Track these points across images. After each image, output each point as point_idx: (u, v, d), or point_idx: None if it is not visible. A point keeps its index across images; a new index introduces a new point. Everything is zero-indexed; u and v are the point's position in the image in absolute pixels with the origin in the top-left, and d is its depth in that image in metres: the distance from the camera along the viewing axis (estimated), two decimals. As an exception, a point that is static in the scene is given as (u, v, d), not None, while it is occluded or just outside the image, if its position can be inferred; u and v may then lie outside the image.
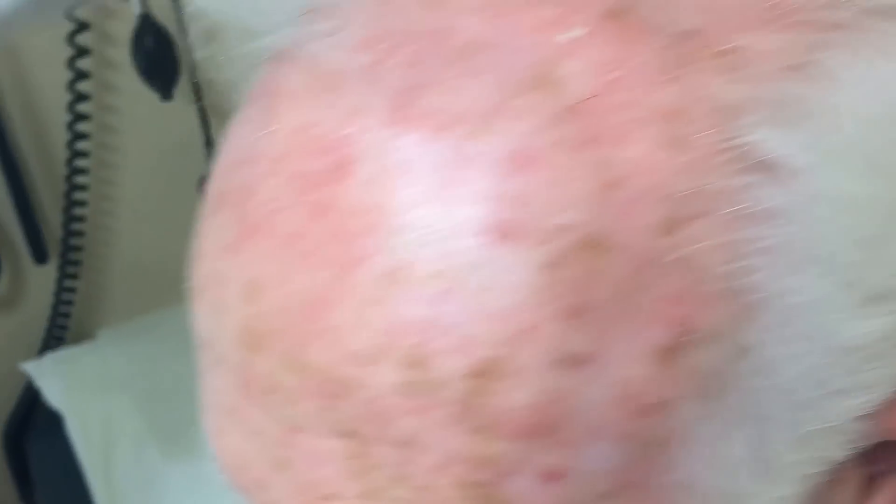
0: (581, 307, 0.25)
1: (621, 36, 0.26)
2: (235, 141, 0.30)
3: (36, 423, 1.08)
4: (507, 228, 0.25)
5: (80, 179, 1.04)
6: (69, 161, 1.04)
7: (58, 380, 1.05)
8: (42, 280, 1.09)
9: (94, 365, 1.06)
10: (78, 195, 1.05)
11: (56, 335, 1.10)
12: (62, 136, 1.03)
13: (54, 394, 1.04)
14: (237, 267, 0.29)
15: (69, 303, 1.09)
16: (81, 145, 1.03)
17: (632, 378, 0.26)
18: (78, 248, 1.07)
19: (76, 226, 1.06)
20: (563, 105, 0.25)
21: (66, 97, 1.00)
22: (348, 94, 0.27)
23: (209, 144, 1.03)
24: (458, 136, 0.26)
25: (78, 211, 1.05)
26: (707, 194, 0.25)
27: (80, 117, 1.01)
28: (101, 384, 1.04)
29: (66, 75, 0.99)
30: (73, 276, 1.08)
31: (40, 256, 1.07)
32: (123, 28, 1.00)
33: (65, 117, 1.02)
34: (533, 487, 0.27)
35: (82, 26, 0.98)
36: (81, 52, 0.99)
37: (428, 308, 0.26)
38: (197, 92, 1.02)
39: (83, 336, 1.12)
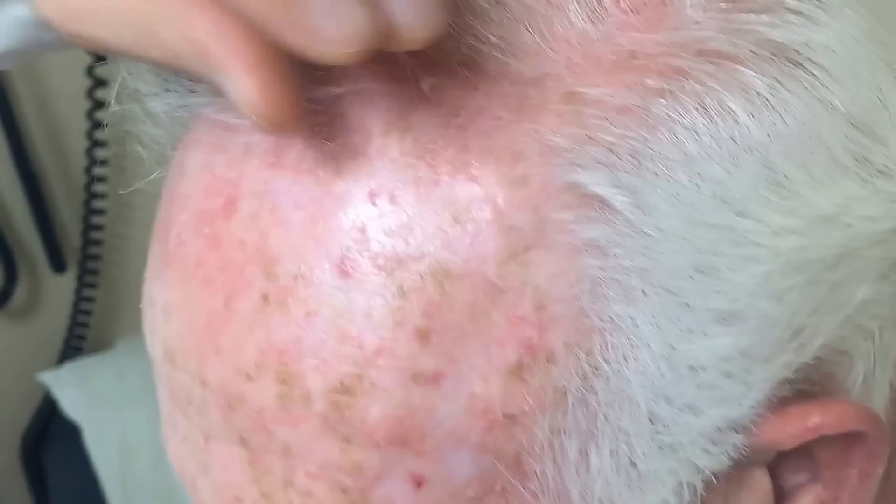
0: (431, 329, 0.29)
1: (470, 83, 0.30)
2: (168, 181, 0.35)
3: (53, 433, 1.09)
4: (364, 259, 0.29)
5: (99, 188, 1.07)
6: (88, 169, 1.06)
7: (75, 390, 1.07)
8: (60, 289, 1.11)
9: (112, 375, 1.08)
10: (97, 204, 1.07)
11: (74, 345, 1.13)
12: (81, 144, 1.04)
13: (72, 404, 1.06)
14: (159, 292, 0.33)
15: (87, 312, 1.12)
16: (100, 153, 1.04)
17: (484, 394, 0.29)
18: (96, 258, 1.10)
19: (94, 235, 1.08)
20: (415, 148, 0.29)
21: (86, 105, 1.01)
22: (237, 143, 0.31)
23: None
24: (323, 177, 0.30)
25: (96, 220, 1.08)
26: (542, 227, 0.29)
27: (98, 125, 1.01)
28: (119, 395, 1.06)
29: (86, 83, 0.99)
30: (92, 286, 1.11)
31: (59, 265, 1.09)
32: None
33: (84, 126, 1.02)
34: (401, 492, 0.30)
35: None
36: (100, 58, 0.99)
37: (296, 331, 0.30)
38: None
39: (102, 346, 1.14)
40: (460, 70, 0.30)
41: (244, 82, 0.26)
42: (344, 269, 0.29)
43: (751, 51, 0.30)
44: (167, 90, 0.33)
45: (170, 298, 0.33)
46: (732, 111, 0.29)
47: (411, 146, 0.29)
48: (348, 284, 0.29)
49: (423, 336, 0.29)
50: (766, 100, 0.29)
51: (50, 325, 1.12)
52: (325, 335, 0.29)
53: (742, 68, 0.30)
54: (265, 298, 0.30)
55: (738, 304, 0.29)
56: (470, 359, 0.29)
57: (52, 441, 1.10)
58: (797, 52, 0.30)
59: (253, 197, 0.30)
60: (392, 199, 0.29)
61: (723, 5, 0.30)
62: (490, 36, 0.30)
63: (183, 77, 0.32)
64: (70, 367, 1.10)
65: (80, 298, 1.10)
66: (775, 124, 0.29)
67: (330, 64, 0.27)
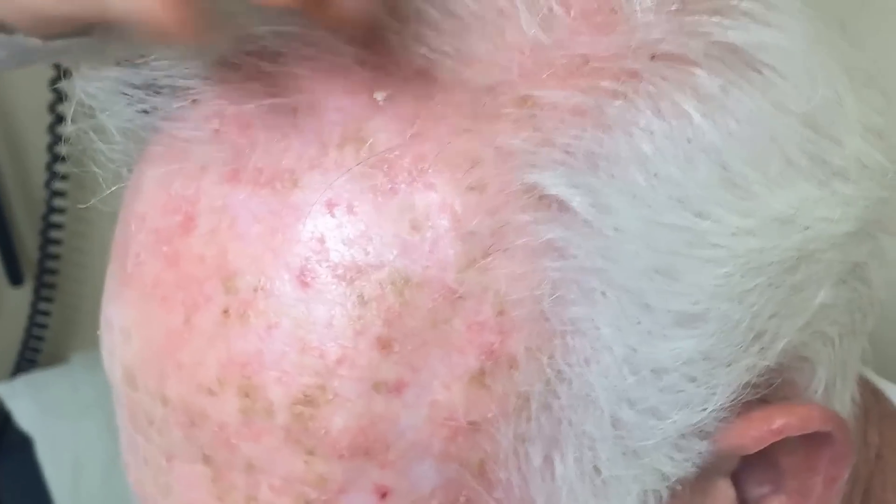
0: (392, 338, 0.29)
1: (424, 93, 0.30)
2: (125, 200, 0.35)
3: (5, 445, 1.08)
4: (323, 269, 0.30)
5: (58, 203, 1.06)
6: (48, 183, 1.05)
7: (29, 402, 1.06)
8: (16, 302, 1.09)
9: (66, 388, 1.07)
10: (55, 218, 1.07)
11: (29, 357, 1.12)
12: (42, 159, 1.04)
13: (25, 417, 1.05)
14: (117, 314, 0.34)
15: (43, 326, 1.11)
16: (61, 168, 1.04)
17: (446, 402, 0.30)
18: (53, 272, 1.09)
19: (52, 249, 1.08)
20: (371, 157, 0.30)
21: (48, 119, 1.01)
22: (194, 159, 0.32)
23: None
24: (280, 190, 0.30)
25: (55, 234, 1.08)
26: (501, 231, 0.29)
27: (60, 140, 1.01)
28: (73, 408, 1.05)
29: (48, 97, 0.99)
30: (48, 300, 1.10)
31: (15, 278, 1.08)
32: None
33: (45, 140, 1.02)
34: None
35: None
36: (64, 73, 0.99)
37: (257, 343, 0.30)
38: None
39: (56, 360, 1.13)
40: (414, 80, 0.30)
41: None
42: (304, 280, 0.30)
43: (703, 52, 0.30)
44: (124, 103, 0.33)
45: (128, 319, 0.33)
46: (686, 112, 0.30)
47: (367, 156, 0.30)
48: (308, 295, 0.29)
49: (384, 345, 0.29)
50: (720, 101, 0.30)
51: (5, 338, 1.11)
52: (286, 346, 0.29)
53: (695, 70, 0.30)
54: (225, 312, 0.30)
55: (698, 305, 0.30)
56: (432, 367, 0.29)
57: (3, 453, 1.09)
58: (749, 53, 0.31)
59: (211, 212, 0.31)
60: (350, 209, 0.29)
61: (673, 7, 0.31)
62: (443, 46, 0.31)
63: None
64: (24, 380, 1.09)
65: (36, 311, 1.09)
66: (729, 125, 0.30)
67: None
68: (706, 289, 0.30)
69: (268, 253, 0.30)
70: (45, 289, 1.09)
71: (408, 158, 0.30)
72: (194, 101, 0.33)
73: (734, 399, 0.31)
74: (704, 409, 0.30)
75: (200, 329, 0.30)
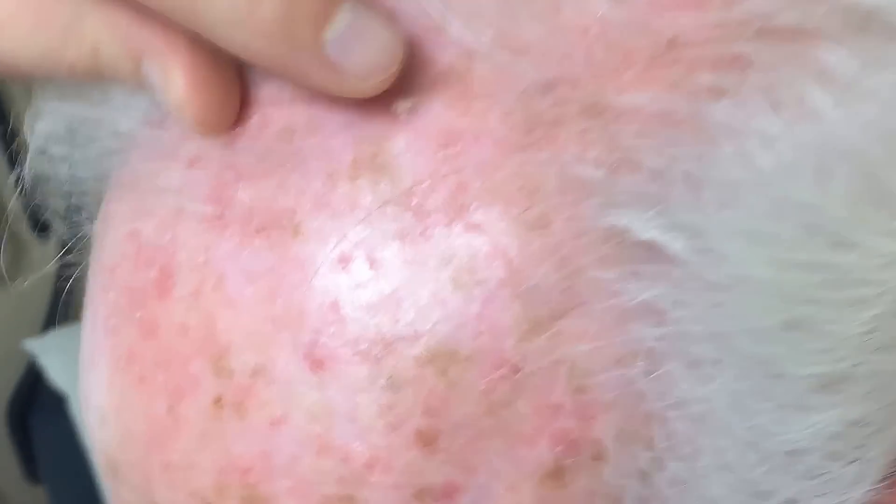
0: (437, 431, 0.22)
1: (460, 99, 0.23)
2: (92, 250, 0.29)
3: (40, 402, 1.05)
4: (340, 344, 0.23)
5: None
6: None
7: (62, 358, 1.02)
8: (44, 254, 1.04)
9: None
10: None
11: (60, 311, 1.06)
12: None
13: (58, 373, 1.01)
14: (90, 388, 0.27)
15: (72, 278, 1.04)
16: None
17: None
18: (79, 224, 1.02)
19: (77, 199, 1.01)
20: (395, 192, 0.23)
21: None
22: (167, 196, 0.25)
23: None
24: (278, 239, 0.23)
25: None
26: (576, 286, 0.22)
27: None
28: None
29: None
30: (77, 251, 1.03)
31: (42, 229, 1.02)
32: None
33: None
34: None
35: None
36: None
37: (260, 443, 0.23)
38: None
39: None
40: (445, 82, 0.23)
41: (179, 75, 0.23)
42: (316, 360, 0.23)
43: (829, 22, 0.22)
44: (78, 141, 0.27)
45: (103, 399, 0.27)
46: (815, 106, 0.22)
47: (389, 190, 0.23)
48: (323, 379, 0.23)
49: (426, 440, 0.22)
50: (856, 86, 0.22)
51: (34, 291, 1.07)
52: (298, 447, 0.23)
53: (821, 47, 0.22)
54: (217, 402, 0.24)
55: (843, 363, 0.22)
56: (491, 464, 0.23)
57: (38, 409, 1.06)
58: (889, 20, 0.23)
59: (192, 269, 0.24)
60: (371, 263, 0.22)
61: None
62: (480, 31, 0.23)
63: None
64: (56, 334, 1.05)
65: (64, 263, 1.05)
66: (871, 118, 0.22)
67: (350, 96, 0.23)
68: (852, 340, 0.22)
69: (267, 324, 0.23)
70: (73, 240, 1.05)
71: (443, 190, 0.22)
72: (162, 120, 0.26)
73: (889, 469, 0.24)
74: (854, 489, 0.24)
75: (188, 421, 0.24)
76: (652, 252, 0.22)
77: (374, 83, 0.22)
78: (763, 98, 0.22)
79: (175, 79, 0.23)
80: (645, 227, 0.22)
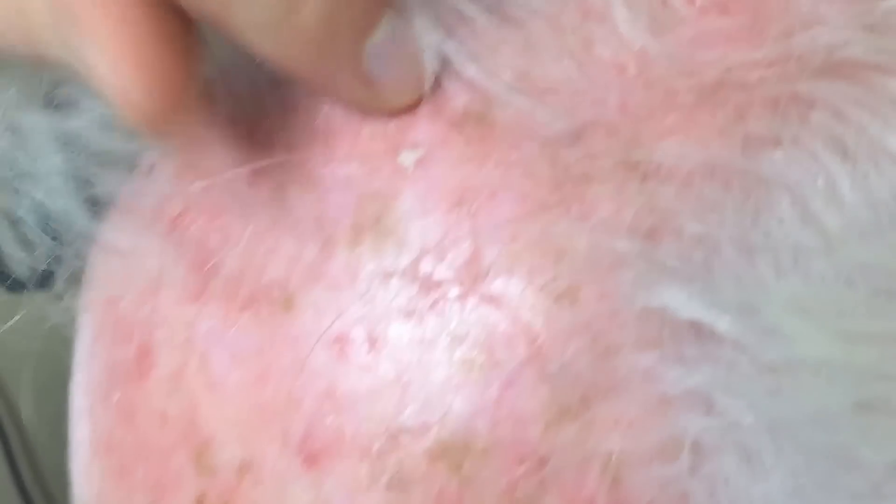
0: None
1: (477, 148, 0.20)
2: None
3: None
4: (338, 438, 0.20)
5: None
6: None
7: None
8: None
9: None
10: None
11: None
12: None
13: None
14: (77, 471, 0.25)
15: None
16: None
17: None
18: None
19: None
20: (401, 261, 0.20)
21: None
22: (149, 262, 0.22)
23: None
24: (268, 315, 0.20)
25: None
26: (610, 369, 0.19)
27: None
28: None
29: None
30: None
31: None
32: None
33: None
34: None
35: None
36: None
37: None
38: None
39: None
40: (458, 129, 0.20)
41: (113, 46, 0.17)
42: (309, 455, 0.20)
43: None
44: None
45: (83, 488, 0.24)
46: (891, 154, 0.19)
47: (394, 258, 0.20)
48: (318, 477, 0.20)
49: None
50: None
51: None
52: None
53: (892, 82, 0.19)
54: (200, 502, 0.21)
55: None
56: None
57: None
58: None
59: (173, 347, 0.21)
60: (372, 343, 0.20)
61: None
62: (498, 72, 0.20)
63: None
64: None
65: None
66: None
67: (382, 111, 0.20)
68: None
69: (254, 413, 0.20)
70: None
71: (456, 257, 0.19)
72: (150, 169, 0.23)
73: None
74: None
75: None
76: (697, 332, 0.19)
77: (407, 98, 0.20)
78: (827, 146, 0.19)
79: (109, 51, 0.18)
80: (687, 305, 0.19)
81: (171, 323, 0.21)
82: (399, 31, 0.20)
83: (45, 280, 0.26)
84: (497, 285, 0.19)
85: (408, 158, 0.20)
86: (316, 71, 0.19)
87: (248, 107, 0.22)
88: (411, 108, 0.20)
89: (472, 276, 0.19)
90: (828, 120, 0.19)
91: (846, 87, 0.19)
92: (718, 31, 0.20)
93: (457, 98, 0.20)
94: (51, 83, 0.24)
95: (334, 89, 0.20)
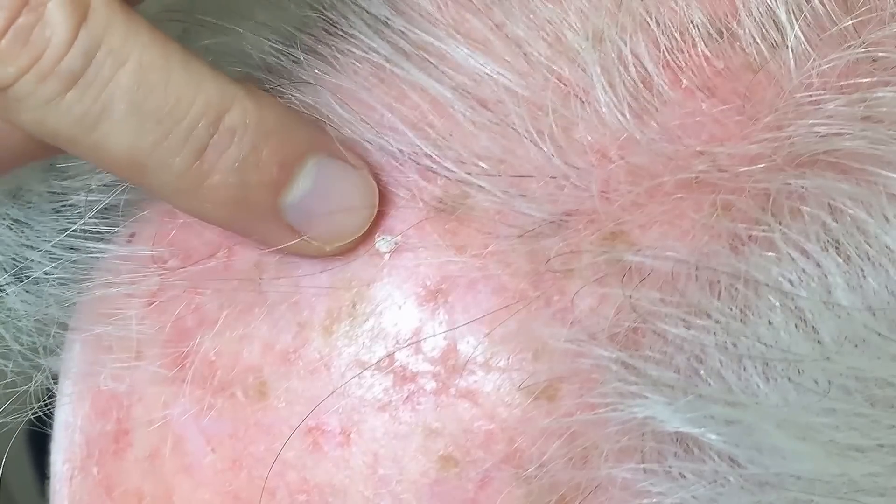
0: None
1: (454, 238, 0.19)
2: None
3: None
4: None
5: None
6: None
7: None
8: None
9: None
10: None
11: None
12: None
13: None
14: None
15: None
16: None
17: None
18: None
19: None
20: (375, 352, 0.19)
21: None
22: (128, 336, 0.22)
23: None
24: (242, 401, 0.20)
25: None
26: (588, 475, 0.18)
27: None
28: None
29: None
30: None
31: None
32: None
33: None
34: None
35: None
36: None
37: None
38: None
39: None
40: (436, 218, 0.19)
41: None
42: None
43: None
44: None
45: None
46: (890, 249, 0.17)
47: (368, 348, 0.19)
48: None
49: None
50: None
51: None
52: None
53: (890, 178, 0.18)
54: None
55: None
56: None
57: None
58: None
59: (149, 427, 0.21)
60: (346, 434, 0.19)
61: (844, 82, 0.18)
62: (473, 156, 0.19)
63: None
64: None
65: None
66: None
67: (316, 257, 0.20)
68: None
69: (229, 500, 0.20)
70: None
71: (431, 350, 0.19)
72: (130, 238, 0.22)
73: None
74: None
75: None
76: (682, 445, 0.18)
77: (338, 247, 0.20)
78: (821, 244, 0.18)
79: None
80: (672, 418, 0.18)
81: (147, 402, 0.21)
82: (327, 176, 0.19)
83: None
84: (474, 380, 0.19)
85: (384, 245, 0.20)
86: (235, 226, 0.19)
87: None
88: (350, 248, 0.20)
89: (449, 369, 0.19)
90: (821, 216, 0.18)
91: (840, 180, 0.18)
92: (706, 116, 0.19)
93: (433, 184, 0.19)
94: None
95: (262, 241, 0.20)
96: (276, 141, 0.19)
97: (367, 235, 0.20)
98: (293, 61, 0.21)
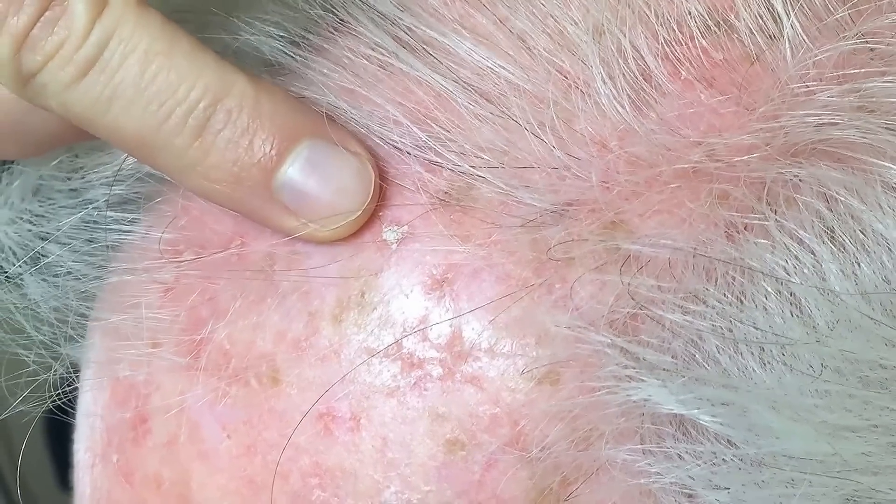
0: None
1: (459, 227, 0.20)
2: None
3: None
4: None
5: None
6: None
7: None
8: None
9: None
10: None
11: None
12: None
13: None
14: None
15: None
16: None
17: None
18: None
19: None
20: (383, 339, 0.20)
21: None
22: (143, 327, 0.22)
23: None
24: (255, 388, 0.20)
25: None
26: (589, 457, 0.19)
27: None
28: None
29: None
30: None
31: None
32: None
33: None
34: None
35: None
36: None
37: None
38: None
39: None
40: (442, 208, 0.20)
41: None
42: None
43: (892, 139, 0.18)
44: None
45: None
46: (884, 238, 0.18)
47: (376, 335, 0.20)
48: None
49: None
50: None
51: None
52: None
53: (885, 168, 0.18)
54: None
55: None
56: None
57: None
58: None
59: (167, 415, 0.21)
60: (356, 422, 0.19)
61: (839, 72, 0.19)
62: (477, 149, 0.20)
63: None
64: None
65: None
66: None
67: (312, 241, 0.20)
68: None
69: (244, 484, 0.20)
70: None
71: (437, 337, 0.19)
72: (146, 233, 0.23)
73: None
74: None
75: None
76: (680, 425, 0.18)
77: (336, 230, 0.20)
78: (815, 232, 0.18)
79: None
80: (668, 400, 0.18)
81: (165, 391, 0.22)
82: (320, 156, 0.20)
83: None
84: (479, 366, 0.19)
85: (391, 235, 0.20)
86: (232, 204, 0.20)
87: None
88: (349, 232, 0.20)
89: (455, 355, 0.19)
90: (815, 204, 0.18)
91: (835, 169, 0.18)
92: (704, 107, 0.19)
93: (438, 176, 0.20)
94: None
95: (260, 220, 0.21)
96: (270, 123, 0.20)
97: (374, 225, 0.20)
98: (301, 58, 0.22)
